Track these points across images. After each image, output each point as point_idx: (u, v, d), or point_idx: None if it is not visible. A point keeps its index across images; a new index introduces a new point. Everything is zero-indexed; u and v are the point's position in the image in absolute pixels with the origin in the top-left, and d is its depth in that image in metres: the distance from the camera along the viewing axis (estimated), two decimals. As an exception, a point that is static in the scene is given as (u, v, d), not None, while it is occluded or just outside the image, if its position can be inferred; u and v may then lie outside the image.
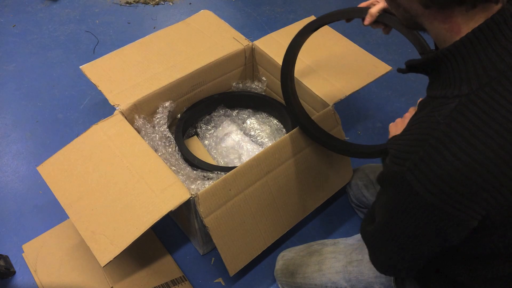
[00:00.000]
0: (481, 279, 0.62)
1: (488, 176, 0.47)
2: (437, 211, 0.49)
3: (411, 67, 0.60)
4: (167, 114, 1.14)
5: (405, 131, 0.56)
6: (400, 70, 0.64)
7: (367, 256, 0.86)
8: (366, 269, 0.85)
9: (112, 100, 1.09)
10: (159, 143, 1.08)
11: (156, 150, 1.07)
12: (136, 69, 1.18)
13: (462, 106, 0.48)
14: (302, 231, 1.24)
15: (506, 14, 0.48)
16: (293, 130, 1.06)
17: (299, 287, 0.97)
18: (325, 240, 1.01)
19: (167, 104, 1.14)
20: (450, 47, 0.51)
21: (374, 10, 0.75)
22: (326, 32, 1.30)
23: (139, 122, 1.10)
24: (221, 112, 1.33)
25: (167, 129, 1.11)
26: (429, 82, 0.58)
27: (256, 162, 0.98)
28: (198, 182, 1.02)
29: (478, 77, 0.49)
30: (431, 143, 0.49)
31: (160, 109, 1.14)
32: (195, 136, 1.29)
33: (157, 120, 1.12)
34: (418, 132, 0.52)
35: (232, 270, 1.01)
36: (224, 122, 1.31)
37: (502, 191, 0.48)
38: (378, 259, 0.67)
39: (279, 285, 1.05)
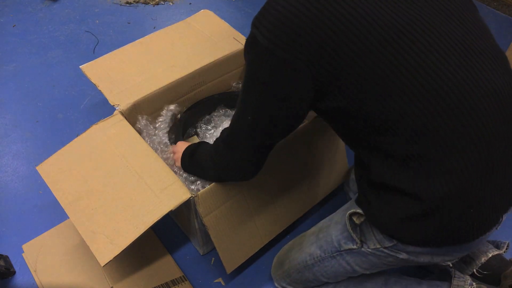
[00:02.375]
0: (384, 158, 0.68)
1: (303, 17, 0.57)
2: (272, 57, 0.59)
3: None
4: (170, 117, 1.14)
5: None
6: None
7: (334, 220, 0.90)
8: (333, 230, 0.89)
9: (112, 100, 1.09)
10: (158, 147, 1.08)
11: (154, 151, 1.07)
12: (136, 69, 1.18)
13: None
14: (300, 228, 1.24)
15: None
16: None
17: (288, 274, 0.99)
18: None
19: (172, 107, 1.14)
20: None
21: None
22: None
23: (142, 123, 1.09)
24: (221, 112, 1.33)
25: (166, 134, 1.11)
26: None
27: (256, 162, 0.98)
28: (198, 182, 1.02)
29: None
30: (268, 2, 0.62)
31: (164, 111, 1.13)
32: (195, 136, 1.28)
33: (159, 123, 1.12)
34: None
35: (230, 267, 1.02)
36: (224, 122, 1.31)
37: (316, 30, 0.57)
38: (234, 159, 0.77)
39: (276, 284, 1.05)
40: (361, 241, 0.81)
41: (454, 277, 0.90)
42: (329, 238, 0.89)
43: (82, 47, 1.83)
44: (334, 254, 0.88)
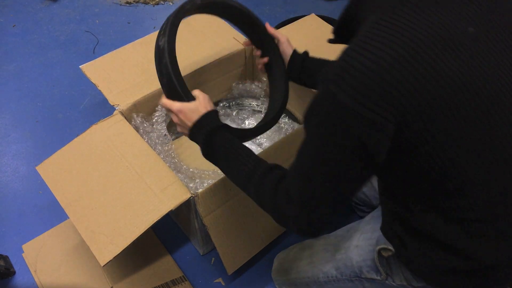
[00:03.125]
0: (450, 219, 0.63)
1: (395, 72, 0.51)
2: (357, 116, 0.52)
3: (336, 30, 0.69)
4: (166, 112, 1.14)
5: None
6: (329, 41, 0.72)
7: (354, 242, 0.86)
8: (353, 254, 0.85)
9: (112, 100, 1.09)
10: (157, 141, 1.08)
11: (153, 149, 1.07)
12: (136, 69, 1.18)
13: (370, 27, 0.54)
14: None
15: None
16: (291, 132, 1.06)
17: (293, 283, 0.97)
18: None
19: None
20: None
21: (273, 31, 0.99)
22: (326, 32, 1.30)
23: (137, 120, 1.09)
24: (221, 112, 1.33)
25: (165, 127, 1.11)
26: None
27: (256, 162, 0.98)
28: (197, 181, 1.02)
29: (381, 7, 0.56)
30: (347, 53, 0.54)
31: (159, 106, 1.14)
32: None
33: (156, 118, 1.12)
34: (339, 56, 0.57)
35: (230, 268, 1.01)
36: (224, 122, 1.31)
37: (410, 90, 0.51)
38: (302, 213, 0.64)
39: (277, 286, 1.05)
40: (386, 273, 0.78)
41: None
42: (348, 262, 0.85)
43: (82, 47, 1.83)
44: (353, 279, 0.85)
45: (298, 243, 1.01)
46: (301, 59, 1.00)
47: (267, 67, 1.07)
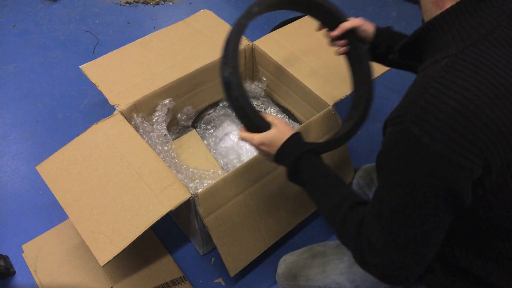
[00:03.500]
0: (496, 263, 0.62)
1: (483, 116, 0.49)
2: (444, 161, 0.50)
3: (402, 48, 0.65)
4: (166, 111, 1.14)
5: (402, 98, 0.58)
6: (392, 57, 0.69)
7: None
8: None
9: (112, 100, 1.09)
10: (157, 141, 1.08)
11: (153, 148, 1.07)
12: (136, 69, 1.18)
13: (452, 61, 0.52)
14: (303, 231, 1.24)
15: None
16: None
17: None
18: (328, 241, 1.00)
19: (166, 101, 1.14)
20: (436, 17, 0.57)
21: (347, 24, 0.82)
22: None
23: (137, 120, 1.09)
24: (221, 112, 1.33)
25: (165, 127, 1.11)
26: (420, 64, 0.62)
27: (256, 162, 0.98)
28: (197, 181, 1.02)
29: (463, 39, 0.54)
30: (429, 92, 0.51)
31: (160, 106, 1.14)
32: (194, 130, 1.27)
33: (156, 118, 1.12)
34: (414, 90, 0.54)
35: (233, 270, 1.01)
36: (224, 122, 1.31)
37: (496, 132, 0.50)
38: (384, 262, 0.60)
39: None
40: None
41: None
42: (365, 276, 0.83)
43: (82, 47, 1.82)
44: None
45: (307, 247, 1.00)
46: (388, 30, 0.88)
47: (349, 57, 0.95)
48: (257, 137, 0.76)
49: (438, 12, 0.57)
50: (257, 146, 0.77)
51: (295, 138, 0.74)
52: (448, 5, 0.57)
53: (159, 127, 1.11)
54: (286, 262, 1.01)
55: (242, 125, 0.80)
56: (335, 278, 0.89)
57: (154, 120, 1.12)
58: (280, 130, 0.75)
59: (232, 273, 1.01)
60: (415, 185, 0.54)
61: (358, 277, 0.86)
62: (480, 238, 0.62)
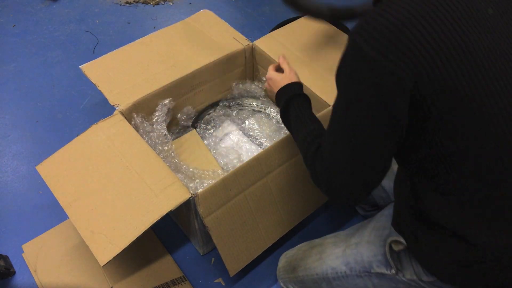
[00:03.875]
0: (454, 204, 0.64)
1: (414, 30, 0.54)
2: (378, 66, 0.56)
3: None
4: (166, 111, 1.14)
5: None
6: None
7: (365, 238, 0.87)
8: (364, 249, 0.86)
9: (112, 100, 1.09)
10: (157, 141, 1.08)
11: (153, 148, 1.07)
12: (136, 69, 1.18)
13: None
14: (303, 230, 1.24)
15: None
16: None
17: (301, 280, 0.97)
18: (327, 235, 1.01)
19: (166, 101, 1.14)
20: None
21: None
22: (326, 31, 1.30)
23: (137, 120, 1.09)
24: (221, 112, 1.33)
25: (165, 127, 1.11)
26: None
27: (256, 162, 0.98)
28: (197, 181, 1.02)
29: None
30: (374, 10, 0.58)
31: (159, 106, 1.14)
32: (194, 130, 1.27)
33: (156, 118, 1.12)
34: None
35: (233, 270, 1.01)
36: (224, 122, 1.31)
37: (427, 47, 0.54)
38: (333, 175, 0.67)
39: (281, 284, 1.05)
40: (397, 268, 0.78)
41: None
42: (359, 257, 0.85)
43: (82, 47, 1.83)
44: (362, 274, 0.85)
45: (307, 242, 1.02)
46: None
47: None
48: (271, 72, 0.99)
49: None
50: (267, 78, 1.00)
51: (295, 85, 0.92)
52: None
53: (159, 127, 1.11)
54: (286, 256, 1.03)
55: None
56: (330, 263, 0.91)
57: (154, 120, 1.12)
58: (287, 76, 0.96)
59: (232, 273, 1.01)
60: (357, 93, 0.60)
61: (351, 259, 0.87)
62: (440, 173, 0.64)
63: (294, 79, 0.94)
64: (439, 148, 0.61)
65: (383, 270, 0.81)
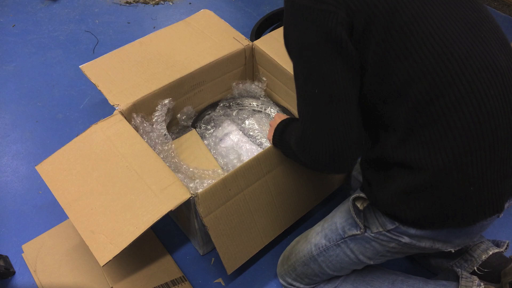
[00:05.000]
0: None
1: None
2: (312, 12, 0.63)
3: None
4: (165, 111, 1.14)
5: None
6: None
7: (339, 209, 0.92)
8: (337, 217, 0.91)
9: (111, 100, 1.09)
10: (157, 141, 1.08)
11: (153, 148, 1.07)
12: (136, 69, 1.18)
13: None
14: (302, 228, 1.24)
15: None
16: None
17: (294, 268, 1.00)
18: None
19: (166, 101, 1.14)
20: None
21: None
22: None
23: (137, 120, 1.09)
24: (221, 112, 1.33)
25: (165, 127, 1.11)
26: None
27: (256, 162, 0.98)
28: (197, 181, 1.02)
29: None
30: None
31: (159, 106, 1.14)
32: (194, 130, 1.27)
33: (156, 118, 1.12)
34: None
35: (230, 268, 1.01)
36: (224, 122, 1.31)
37: None
38: (313, 141, 0.72)
39: (281, 280, 1.05)
40: (364, 226, 0.83)
41: (462, 277, 0.90)
42: (333, 226, 0.90)
43: (81, 47, 1.82)
44: (339, 242, 0.89)
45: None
46: None
47: None
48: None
49: None
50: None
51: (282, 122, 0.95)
52: None
53: (158, 127, 1.11)
54: (283, 252, 1.06)
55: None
56: (313, 240, 0.95)
57: (154, 120, 1.12)
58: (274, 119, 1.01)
59: (229, 271, 1.01)
60: (305, 46, 0.67)
61: (328, 231, 0.92)
62: (378, 108, 0.71)
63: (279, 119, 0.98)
64: (379, 83, 0.67)
65: (353, 231, 0.85)
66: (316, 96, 0.68)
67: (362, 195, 0.81)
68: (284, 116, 0.99)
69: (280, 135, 0.92)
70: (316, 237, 0.94)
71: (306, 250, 0.96)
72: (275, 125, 0.96)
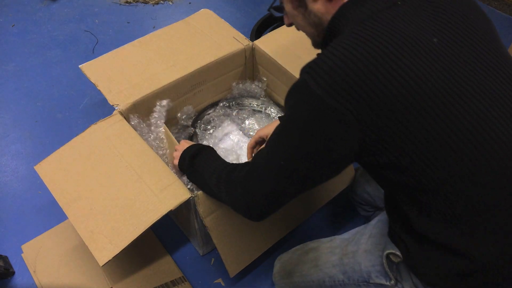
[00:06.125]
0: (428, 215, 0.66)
1: (357, 70, 0.57)
2: (322, 103, 0.59)
3: (316, 44, 0.79)
4: (164, 113, 1.13)
5: None
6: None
7: (362, 246, 0.86)
8: (362, 258, 0.84)
9: (111, 100, 1.09)
10: (153, 143, 1.07)
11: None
12: (136, 68, 1.17)
13: (343, 36, 0.62)
14: (303, 232, 1.23)
15: None
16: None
17: (297, 286, 0.96)
18: (322, 238, 1.01)
19: (164, 102, 1.13)
20: (334, 15, 0.68)
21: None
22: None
23: (134, 121, 1.09)
24: (221, 112, 1.33)
25: (163, 131, 1.10)
26: None
27: (256, 162, 0.97)
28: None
29: (353, 21, 0.64)
30: (323, 52, 0.62)
31: (158, 107, 1.13)
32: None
33: (154, 119, 1.11)
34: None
35: (233, 271, 1.01)
36: (224, 122, 1.31)
37: (371, 86, 0.57)
38: (258, 193, 0.71)
39: None
40: (396, 279, 0.78)
41: None
42: (357, 266, 0.85)
43: (81, 46, 1.82)
44: (360, 284, 0.84)
45: (301, 245, 1.01)
46: None
47: None
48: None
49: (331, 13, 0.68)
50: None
51: (195, 145, 0.92)
52: (336, 6, 0.67)
53: (157, 129, 1.09)
54: (280, 260, 1.02)
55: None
56: (327, 271, 0.90)
57: (152, 122, 1.11)
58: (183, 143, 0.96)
59: (232, 274, 1.01)
60: (297, 125, 0.64)
61: (349, 268, 0.86)
62: (416, 198, 0.66)
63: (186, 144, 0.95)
64: (416, 177, 0.63)
65: (382, 281, 0.80)
66: (289, 167, 0.67)
67: (397, 253, 0.75)
68: (190, 143, 0.95)
69: (192, 158, 0.88)
70: (332, 269, 0.89)
71: (316, 277, 0.91)
72: (182, 150, 0.92)
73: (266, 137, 1.01)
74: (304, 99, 0.62)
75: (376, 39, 0.58)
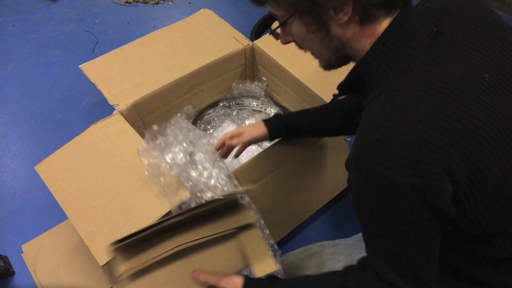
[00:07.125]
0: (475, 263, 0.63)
1: (433, 133, 0.50)
2: (412, 188, 0.51)
3: (342, 88, 0.66)
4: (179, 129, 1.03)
5: (354, 142, 0.57)
6: (334, 96, 0.69)
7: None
8: None
9: (111, 100, 1.09)
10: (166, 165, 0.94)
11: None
12: (136, 68, 1.17)
13: (388, 95, 0.55)
14: (304, 232, 1.23)
15: (403, 16, 0.57)
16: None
17: None
18: (325, 242, 1.00)
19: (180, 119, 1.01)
20: (364, 56, 0.58)
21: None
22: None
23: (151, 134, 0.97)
24: (221, 112, 1.33)
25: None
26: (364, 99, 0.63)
27: (257, 162, 0.98)
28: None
29: (394, 71, 0.56)
30: (377, 131, 0.52)
31: (173, 123, 0.97)
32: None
33: (171, 138, 0.96)
34: (364, 132, 0.55)
35: (232, 270, 1.01)
36: (224, 122, 1.31)
37: (451, 144, 0.50)
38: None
39: None
40: None
41: None
42: None
43: (81, 46, 1.82)
44: None
45: (304, 248, 1.00)
46: (279, 124, 0.95)
47: None
48: None
49: (365, 47, 0.59)
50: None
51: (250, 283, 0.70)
52: (368, 41, 0.59)
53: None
54: (283, 263, 1.01)
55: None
56: None
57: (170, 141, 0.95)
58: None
59: (232, 274, 1.00)
60: (399, 218, 0.54)
61: None
62: (470, 245, 0.63)
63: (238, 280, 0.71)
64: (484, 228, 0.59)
65: None
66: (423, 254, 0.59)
67: None
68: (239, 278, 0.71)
69: None
70: None
71: None
72: None
73: (244, 136, 0.95)
74: (389, 193, 0.53)
75: (432, 91, 0.52)
